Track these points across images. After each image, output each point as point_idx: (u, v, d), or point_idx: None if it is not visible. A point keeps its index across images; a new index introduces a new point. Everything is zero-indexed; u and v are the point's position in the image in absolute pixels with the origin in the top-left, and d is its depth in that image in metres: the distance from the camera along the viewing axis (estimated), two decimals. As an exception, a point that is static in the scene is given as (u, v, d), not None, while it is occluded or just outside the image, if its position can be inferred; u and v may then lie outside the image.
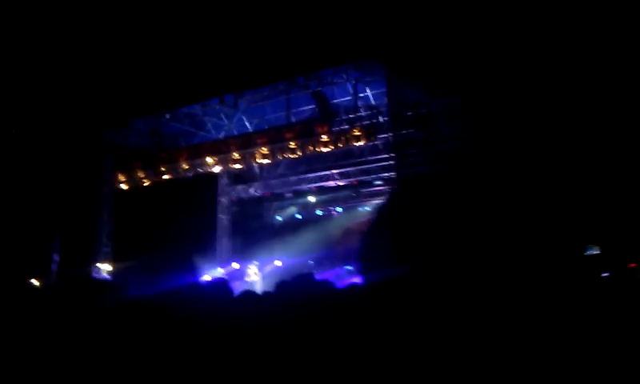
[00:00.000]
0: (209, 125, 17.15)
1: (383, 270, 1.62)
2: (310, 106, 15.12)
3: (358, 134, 13.62)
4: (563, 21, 9.50)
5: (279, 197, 18.13)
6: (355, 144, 13.98)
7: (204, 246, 16.95)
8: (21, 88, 14.35)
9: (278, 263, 16.95)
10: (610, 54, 9.33)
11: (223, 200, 18.24)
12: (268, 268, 16.90)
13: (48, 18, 12.68)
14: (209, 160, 15.96)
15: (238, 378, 1.95)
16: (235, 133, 16.66)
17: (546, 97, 9.63)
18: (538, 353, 1.57)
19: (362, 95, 14.65)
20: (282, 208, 18.39)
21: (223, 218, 18.15)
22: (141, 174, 16.85)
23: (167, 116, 16.27)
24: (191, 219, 17.29)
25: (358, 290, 1.81)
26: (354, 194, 16.72)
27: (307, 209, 17.93)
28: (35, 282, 14.36)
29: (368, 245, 1.71)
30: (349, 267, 14.61)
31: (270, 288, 2.56)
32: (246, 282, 16.53)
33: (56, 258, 17.00)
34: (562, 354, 1.60)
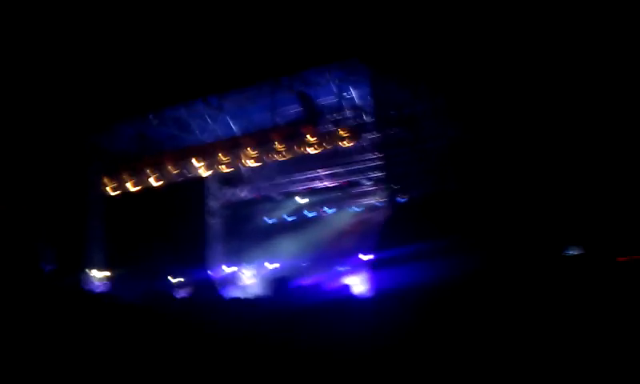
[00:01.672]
0: (194, 127, 17.05)
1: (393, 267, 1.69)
2: (295, 107, 15.09)
3: (344, 134, 13.64)
4: (546, 19, 9.60)
5: (269, 199, 18.10)
6: (342, 144, 13.99)
7: (195, 250, 16.89)
8: (7, 95, 14.32)
9: (271, 266, 16.93)
10: (594, 48, 9.44)
11: (213, 204, 18.20)
12: (261, 271, 16.88)
13: (35, 25, 12.64)
14: (196, 163, 15.89)
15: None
16: (221, 135, 16.58)
17: (531, 94, 9.72)
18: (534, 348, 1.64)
19: (346, 95, 14.63)
20: (272, 210, 18.37)
21: (214, 222, 18.11)
22: (128, 179, 16.75)
23: (154, 120, 16.18)
24: (182, 223, 17.25)
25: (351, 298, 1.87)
26: (343, 194, 16.74)
27: (297, 211, 17.92)
28: (26, 288, 14.28)
29: (383, 239, 1.79)
30: (340, 268, 14.64)
31: (264, 291, 2.60)
32: (241, 285, 16.51)
33: (47, 263, 16.90)
34: (556, 349, 1.66)
